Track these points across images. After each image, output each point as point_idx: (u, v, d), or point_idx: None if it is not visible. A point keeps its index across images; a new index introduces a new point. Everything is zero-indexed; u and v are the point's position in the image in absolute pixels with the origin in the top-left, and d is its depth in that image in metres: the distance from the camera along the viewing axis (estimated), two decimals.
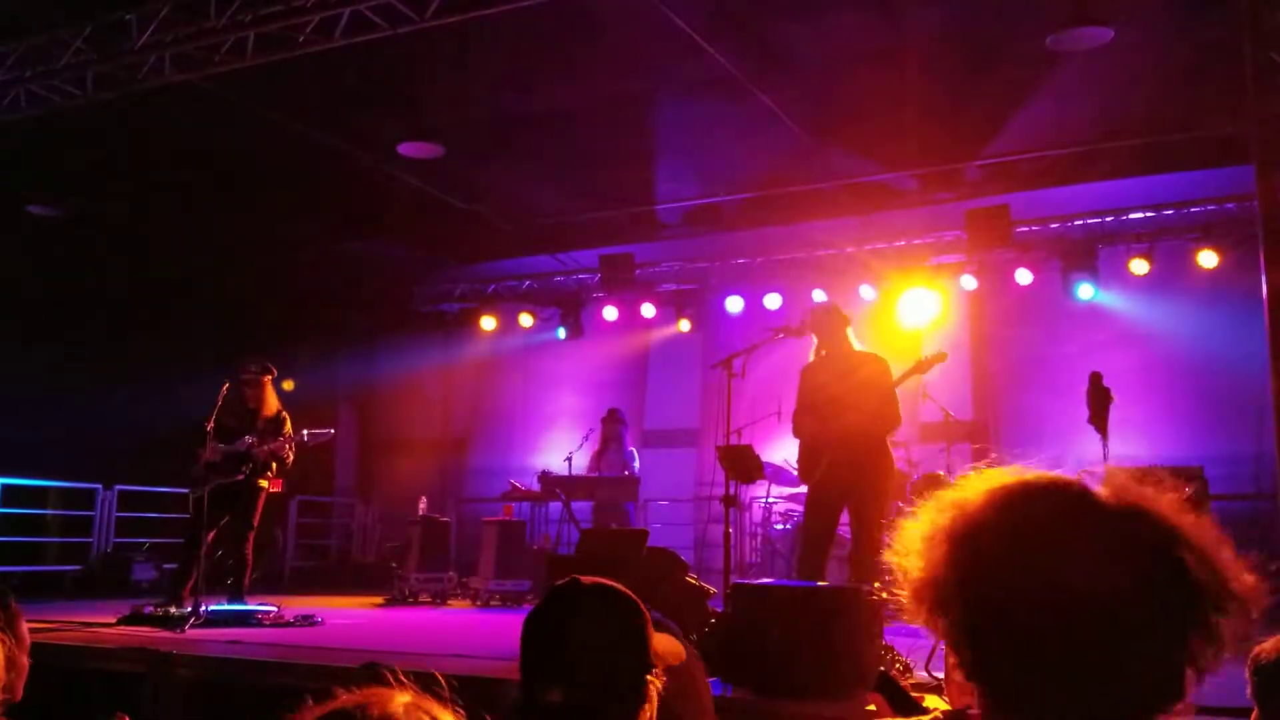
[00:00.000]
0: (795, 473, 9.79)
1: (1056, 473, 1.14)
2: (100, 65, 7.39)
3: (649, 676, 1.90)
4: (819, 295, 11.11)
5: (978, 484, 1.14)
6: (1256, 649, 2.34)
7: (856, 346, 6.39)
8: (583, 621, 1.91)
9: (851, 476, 5.95)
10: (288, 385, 7.73)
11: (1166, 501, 1.09)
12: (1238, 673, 2.53)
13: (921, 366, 6.32)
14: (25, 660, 3.14)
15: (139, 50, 7.17)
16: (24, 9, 7.31)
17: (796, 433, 6.40)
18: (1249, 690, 2.35)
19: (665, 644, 1.95)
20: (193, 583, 7.05)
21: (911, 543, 1.15)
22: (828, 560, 6.19)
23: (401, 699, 1.18)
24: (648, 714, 1.88)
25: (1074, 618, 1.02)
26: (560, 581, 2.01)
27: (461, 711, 1.28)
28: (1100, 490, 1.11)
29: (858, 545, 5.99)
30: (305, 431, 7.59)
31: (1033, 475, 1.14)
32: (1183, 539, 1.06)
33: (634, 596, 1.99)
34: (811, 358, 6.46)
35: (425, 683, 1.28)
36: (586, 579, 1.99)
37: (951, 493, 1.15)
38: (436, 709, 1.20)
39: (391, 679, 1.26)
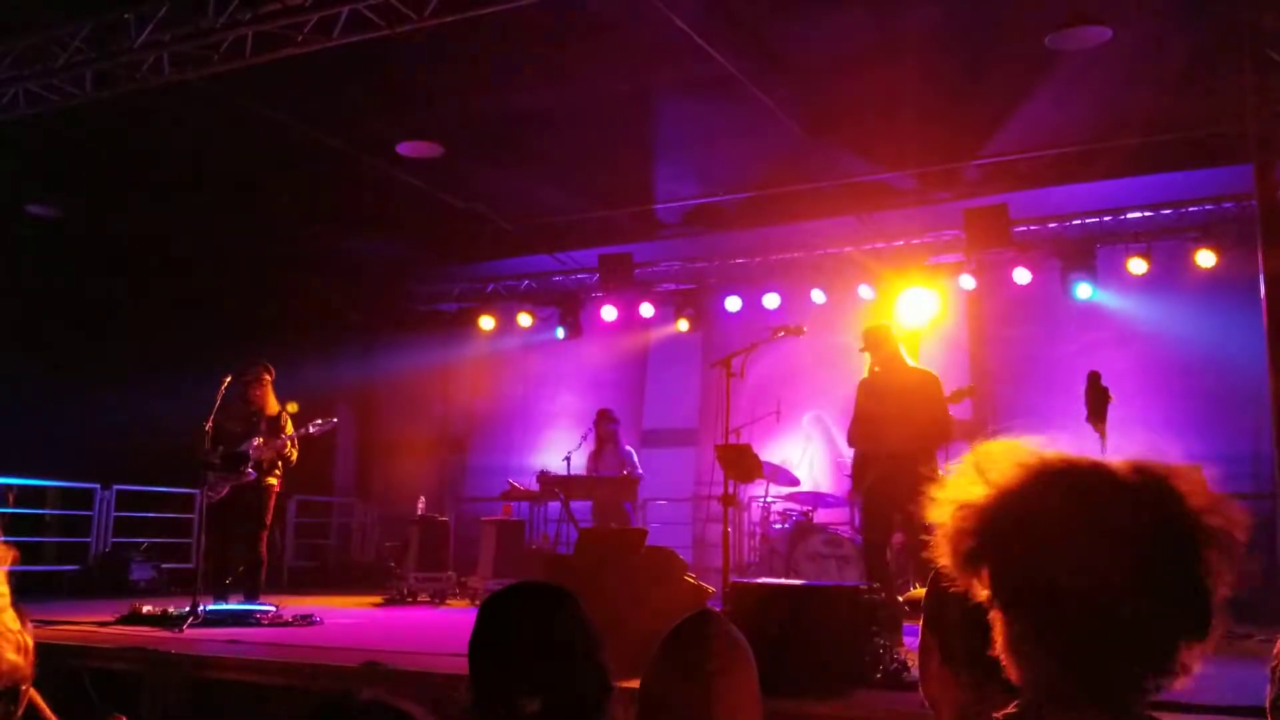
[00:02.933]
0: (794, 474, 9.89)
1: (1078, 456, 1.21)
2: (99, 64, 7.38)
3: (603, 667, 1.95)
4: (818, 295, 11.14)
5: (1010, 462, 1.22)
6: (1278, 649, 2.16)
7: (910, 364, 6.63)
8: (537, 626, 1.93)
9: (898, 490, 6.12)
10: (292, 408, 7.83)
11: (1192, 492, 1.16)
12: (1245, 674, 2.49)
13: (953, 398, 6.89)
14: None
15: (137, 49, 7.16)
16: (22, 8, 7.31)
17: (850, 443, 6.77)
18: (1268, 698, 2.15)
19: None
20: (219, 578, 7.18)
21: (948, 505, 1.23)
22: (886, 559, 6.53)
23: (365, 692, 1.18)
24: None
25: (1083, 594, 1.11)
26: (498, 592, 2.03)
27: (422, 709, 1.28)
28: (1125, 475, 1.18)
29: (911, 551, 6.33)
30: (311, 425, 7.76)
31: (1060, 461, 1.21)
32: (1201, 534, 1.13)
33: (566, 590, 2.01)
34: (866, 374, 6.71)
35: (368, 673, 1.29)
36: (525, 585, 2.01)
37: (985, 465, 1.23)
38: (398, 699, 1.19)
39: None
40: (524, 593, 2.00)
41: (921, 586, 1.70)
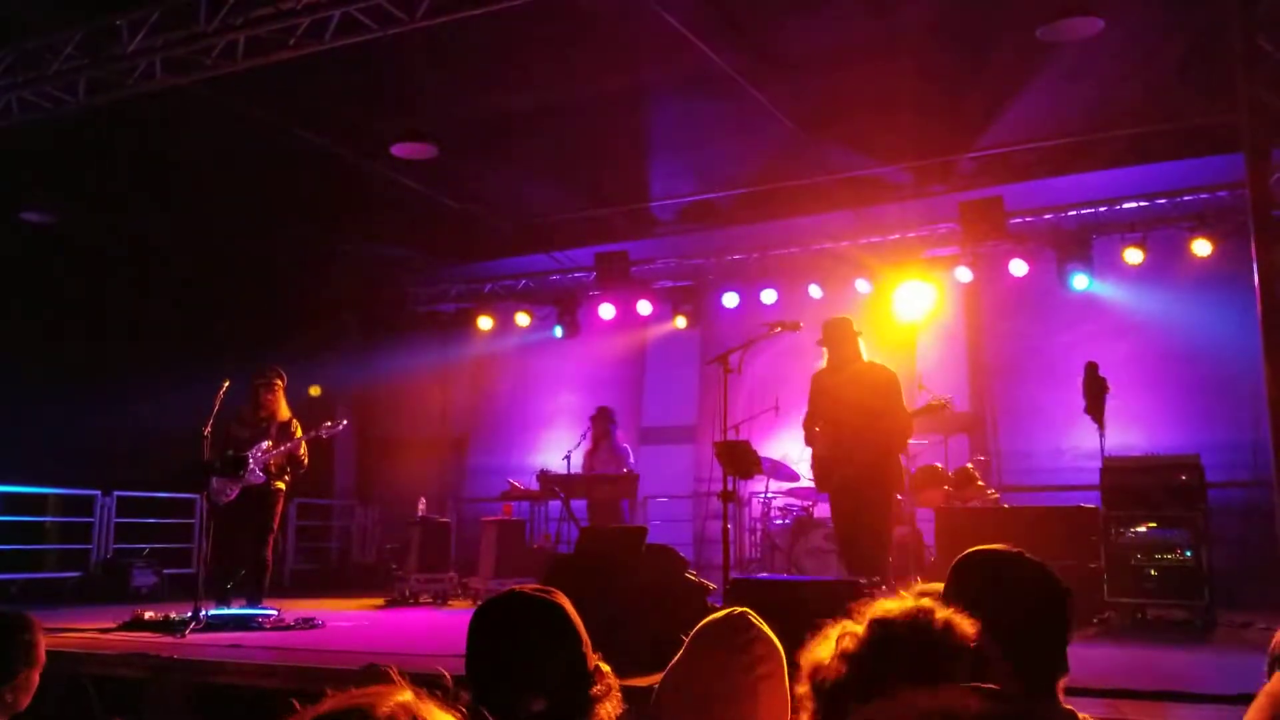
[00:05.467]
0: (794, 469, 9.87)
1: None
2: (92, 71, 7.38)
3: (598, 664, 1.98)
4: (814, 290, 11.14)
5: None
6: (1277, 637, 2.18)
7: (866, 358, 6.62)
8: (535, 630, 1.97)
9: (861, 488, 6.25)
10: (314, 391, 7.87)
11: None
12: (1255, 662, 2.49)
13: (930, 410, 6.91)
14: (36, 677, 3.17)
15: (130, 55, 7.16)
16: (14, 15, 7.30)
17: (808, 441, 6.73)
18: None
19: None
20: (211, 582, 7.20)
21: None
22: (887, 555, 6.56)
23: (395, 699, 1.11)
24: (613, 700, 1.92)
25: None
26: (490, 601, 2.08)
27: (463, 711, 1.23)
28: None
29: (858, 545, 6.26)
30: (321, 428, 7.87)
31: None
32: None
33: (555, 591, 2.05)
34: (823, 364, 6.70)
35: (431, 682, 1.23)
36: (526, 590, 2.04)
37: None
38: (429, 710, 1.13)
39: (395, 678, 1.20)
40: (516, 599, 2.02)
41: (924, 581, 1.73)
